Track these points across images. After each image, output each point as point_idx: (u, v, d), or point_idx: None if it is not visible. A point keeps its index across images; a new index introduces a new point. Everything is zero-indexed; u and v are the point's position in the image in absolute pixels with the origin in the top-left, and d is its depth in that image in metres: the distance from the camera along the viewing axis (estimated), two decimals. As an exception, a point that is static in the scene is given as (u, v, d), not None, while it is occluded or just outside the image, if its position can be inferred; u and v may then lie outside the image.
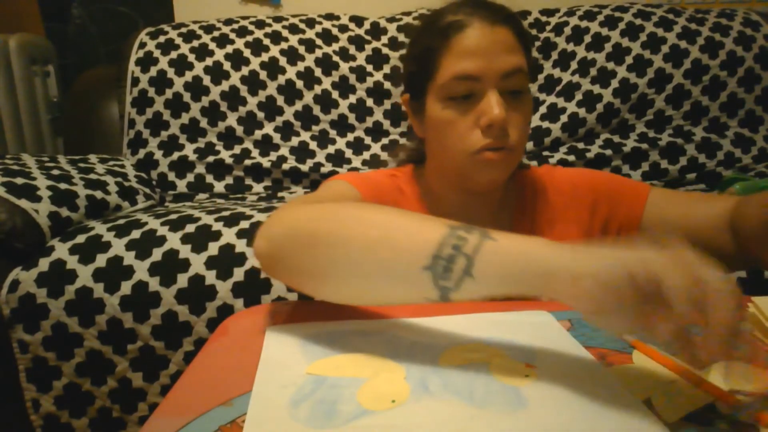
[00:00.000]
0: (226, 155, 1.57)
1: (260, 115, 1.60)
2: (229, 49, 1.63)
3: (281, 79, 1.61)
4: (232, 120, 1.59)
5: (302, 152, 1.60)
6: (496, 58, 0.62)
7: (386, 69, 1.67)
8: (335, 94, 1.64)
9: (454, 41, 0.63)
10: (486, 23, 0.63)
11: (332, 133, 1.63)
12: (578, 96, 1.63)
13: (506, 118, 0.61)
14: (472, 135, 0.63)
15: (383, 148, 1.62)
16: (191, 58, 1.61)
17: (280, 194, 1.56)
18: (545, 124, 1.62)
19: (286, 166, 1.57)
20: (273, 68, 1.62)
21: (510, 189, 0.75)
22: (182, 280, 0.99)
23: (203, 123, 1.59)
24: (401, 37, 1.71)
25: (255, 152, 1.58)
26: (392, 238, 0.42)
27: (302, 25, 1.71)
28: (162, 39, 1.64)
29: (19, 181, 1.12)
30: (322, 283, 0.47)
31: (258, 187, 1.58)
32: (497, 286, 0.38)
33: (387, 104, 1.66)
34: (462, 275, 0.38)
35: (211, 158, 1.56)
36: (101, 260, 1.02)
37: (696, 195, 0.70)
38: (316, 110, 1.62)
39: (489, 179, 0.66)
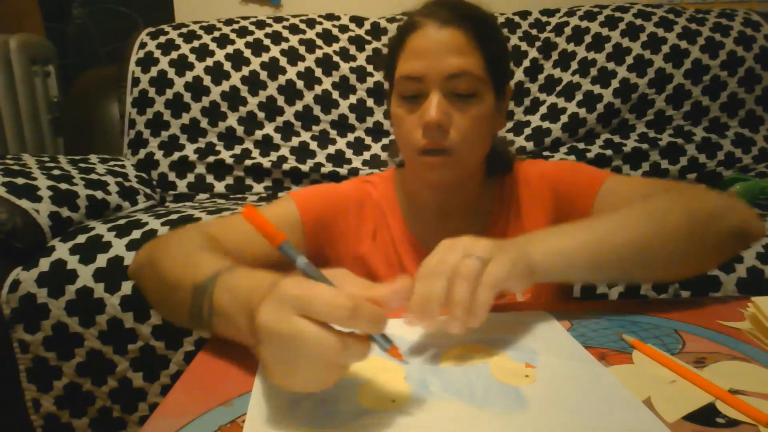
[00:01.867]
0: (226, 155, 1.57)
1: (261, 115, 1.60)
2: (230, 49, 1.63)
3: (281, 80, 1.61)
4: (232, 120, 1.59)
5: (303, 152, 1.60)
6: (440, 60, 0.61)
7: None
8: (335, 95, 1.64)
9: (408, 41, 0.64)
10: (437, 24, 0.62)
11: (332, 133, 1.63)
12: (578, 96, 1.63)
13: (447, 120, 0.62)
14: (416, 134, 0.63)
15: (383, 148, 1.62)
16: (192, 58, 1.61)
17: (280, 194, 1.56)
18: (545, 124, 1.62)
19: (286, 167, 1.57)
20: (273, 68, 1.62)
21: (488, 188, 0.75)
22: (182, 280, 0.99)
23: (204, 123, 1.59)
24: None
25: (255, 152, 1.58)
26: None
27: (302, 26, 1.71)
28: (162, 39, 1.64)
29: (20, 181, 1.12)
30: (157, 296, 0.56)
31: (258, 188, 1.58)
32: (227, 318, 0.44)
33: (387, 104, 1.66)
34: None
35: (211, 158, 1.57)
36: (102, 260, 1.02)
37: (643, 184, 0.66)
38: (317, 110, 1.62)
39: (432, 180, 0.67)
